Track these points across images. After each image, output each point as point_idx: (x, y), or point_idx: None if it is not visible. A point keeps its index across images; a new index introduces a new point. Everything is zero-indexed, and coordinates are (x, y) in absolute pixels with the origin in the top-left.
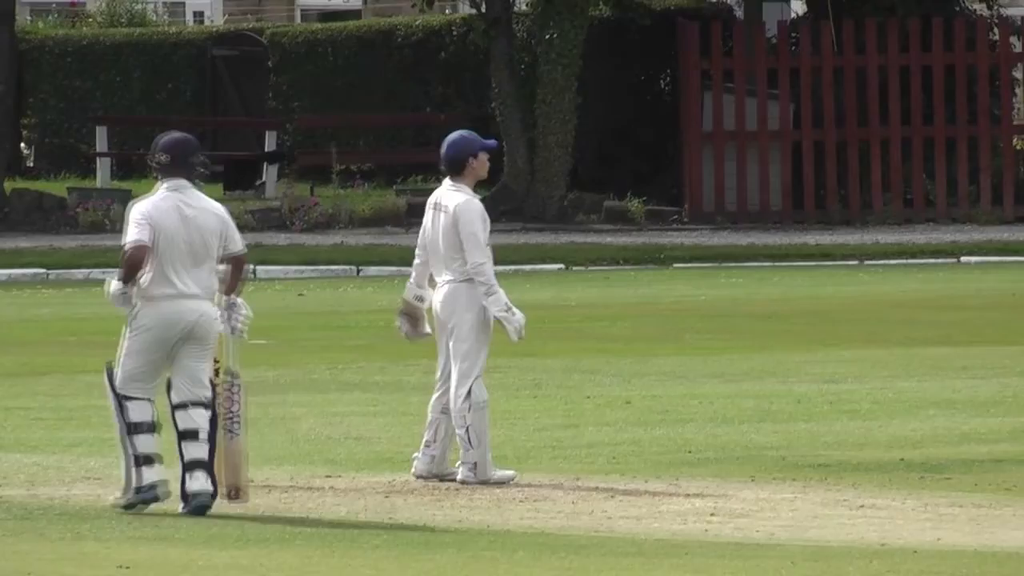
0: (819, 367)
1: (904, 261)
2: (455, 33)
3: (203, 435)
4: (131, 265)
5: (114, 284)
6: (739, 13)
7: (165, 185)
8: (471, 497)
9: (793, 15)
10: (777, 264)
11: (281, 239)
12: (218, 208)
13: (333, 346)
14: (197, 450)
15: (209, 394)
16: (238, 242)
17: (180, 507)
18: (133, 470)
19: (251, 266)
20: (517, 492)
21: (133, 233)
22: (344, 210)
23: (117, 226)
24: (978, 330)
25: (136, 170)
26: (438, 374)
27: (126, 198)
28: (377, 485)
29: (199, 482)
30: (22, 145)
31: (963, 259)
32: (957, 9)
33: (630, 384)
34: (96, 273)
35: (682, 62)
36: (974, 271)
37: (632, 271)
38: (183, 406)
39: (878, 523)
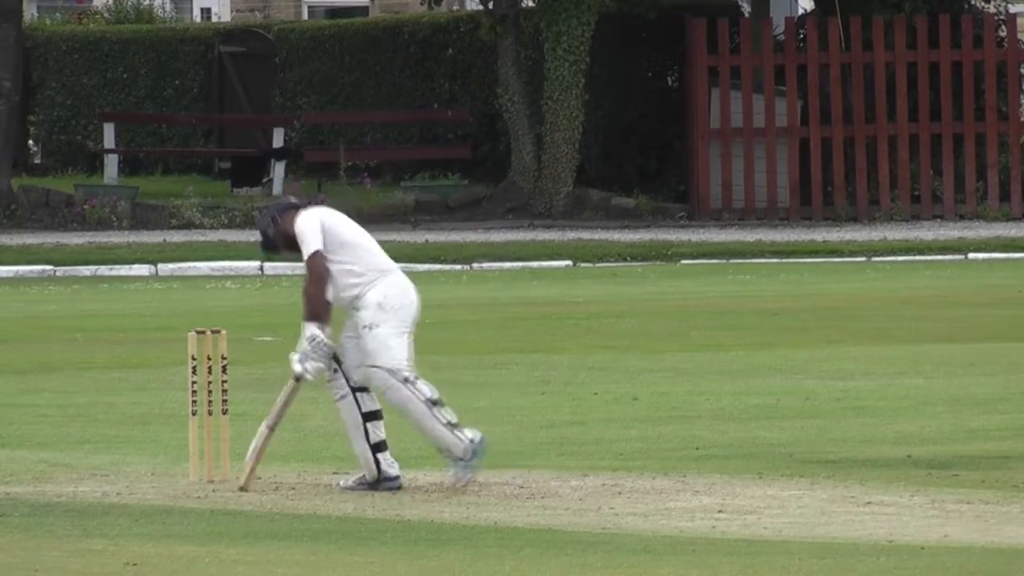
0: (826, 364)
1: (911, 258)
2: (462, 29)
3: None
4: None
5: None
6: (746, 9)
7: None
8: (478, 494)
9: (801, 11)
10: (784, 261)
11: None
12: None
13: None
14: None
15: None
16: None
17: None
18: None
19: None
20: (524, 489)
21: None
22: (351, 207)
23: (124, 223)
24: (985, 326)
25: (143, 167)
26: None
27: (133, 195)
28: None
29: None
30: (29, 142)
31: (971, 256)
32: (965, 6)
33: (637, 381)
34: (103, 270)
35: (689, 59)
36: (981, 268)
37: (639, 268)
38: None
39: (885, 520)
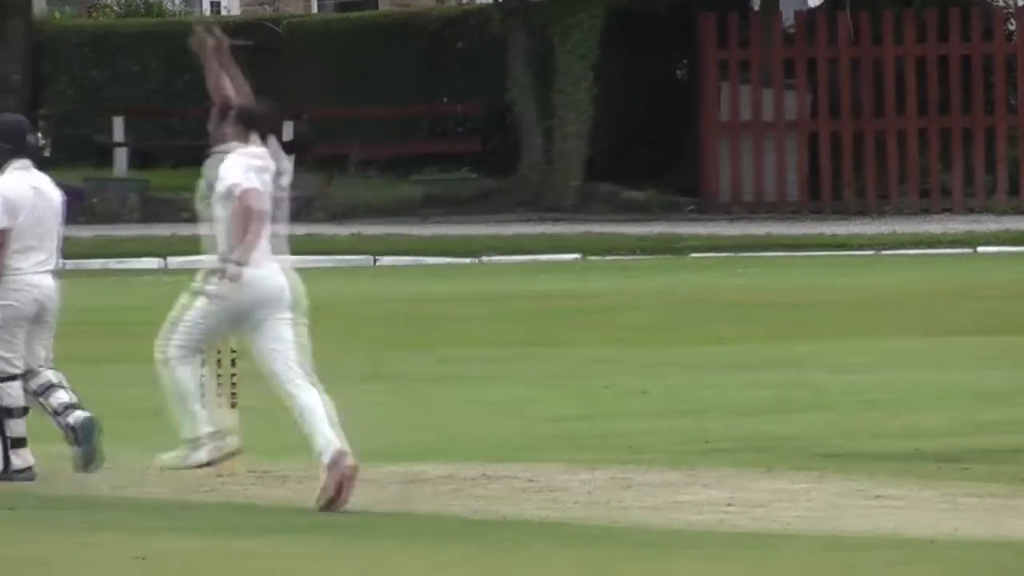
0: (836, 357)
1: (920, 251)
2: (472, 23)
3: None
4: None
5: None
6: (756, 3)
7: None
8: (487, 487)
9: (810, 5)
10: (794, 254)
11: (298, 229)
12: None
13: (349, 336)
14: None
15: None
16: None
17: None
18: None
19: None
20: (533, 483)
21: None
22: (361, 200)
23: (135, 216)
24: (994, 320)
25: (153, 160)
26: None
27: (143, 188)
28: (393, 475)
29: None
30: (39, 135)
31: (980, 249)
32: None
33: (646, 374)
34: (112, 263)
35: (699, 52)
36: (991, 261)
37: (649, 261)
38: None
39: (894, 513)
